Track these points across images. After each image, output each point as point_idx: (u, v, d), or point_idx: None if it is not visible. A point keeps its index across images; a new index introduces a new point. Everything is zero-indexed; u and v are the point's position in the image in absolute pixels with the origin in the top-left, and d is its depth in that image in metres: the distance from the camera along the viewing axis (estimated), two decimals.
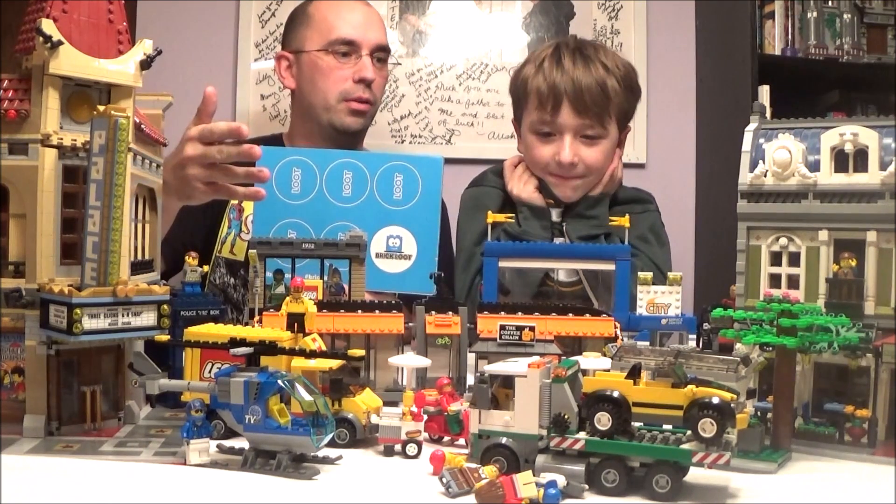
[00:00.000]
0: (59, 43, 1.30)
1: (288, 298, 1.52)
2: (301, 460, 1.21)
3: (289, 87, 2.74)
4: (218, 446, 1.29)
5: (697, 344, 1.70)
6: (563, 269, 2.25)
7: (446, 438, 1.37)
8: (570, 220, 2.36)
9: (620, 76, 2.37)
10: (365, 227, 1.83)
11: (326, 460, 1.24)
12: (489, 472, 1.13)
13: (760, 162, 1.45)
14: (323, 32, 2.61)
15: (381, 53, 2.62)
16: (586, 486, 1.12)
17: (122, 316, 1.32)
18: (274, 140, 2.80)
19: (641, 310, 1.70)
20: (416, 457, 1.29)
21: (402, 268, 1.99)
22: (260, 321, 1.57)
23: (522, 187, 2.41)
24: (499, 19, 3.68)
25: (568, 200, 2.40)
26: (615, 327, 1.64)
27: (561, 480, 1.09)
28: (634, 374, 1.17)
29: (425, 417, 1.35)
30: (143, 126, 1.43)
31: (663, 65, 3.75)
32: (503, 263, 1.82)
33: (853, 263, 1.37)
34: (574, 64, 2.33)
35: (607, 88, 2.33)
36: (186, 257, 1.65)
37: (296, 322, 1.49)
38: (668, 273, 1.75)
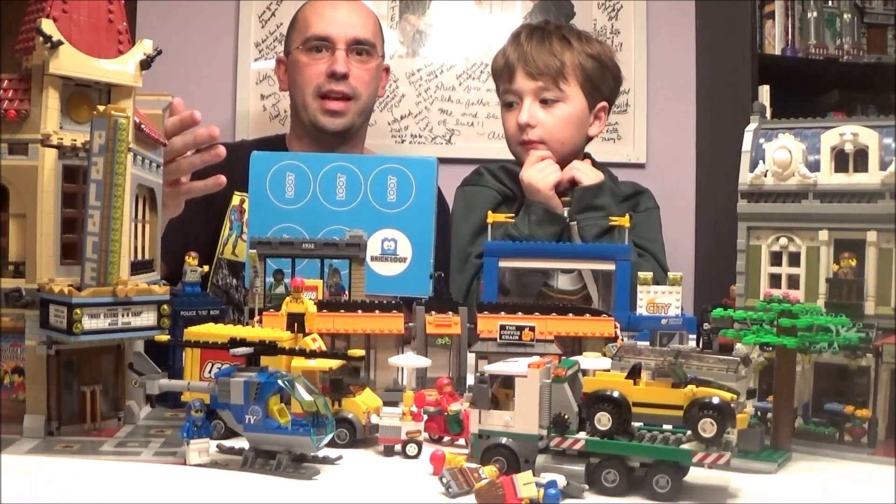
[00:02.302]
0: (59, 43, 1.30)
1: (288, 298, 1.52)
2: (301, 460, 1.21)
3: (283, 90, 2.79)
4: (218, 446, 1.29)
5: (697, 344, 1.70)
6: (564, 277, 2.24)
7: (446, 438, 1.37)
8: (580, 214, 2.33)
9: (582, 48, 2.46)
10: None
11: (326, 460, 1.24)
12: (489, 472, 1.13)
13: (760, 162, 1.45)
14: (301, 31, 2.63)
15: (359, 47, 2.60)
16: (586, 486, 1.12)
17: (122, 316, 1.31)
18: (277, 141, 2.82)
19: (641, 310, 1.70)
20: (416, 457, 1.29)
21: (398, 271, 1.97)
22: (260, 321, 1.57)
23: (542, 178, 2.34)
24: (499, 19, 3.69)
25: None
26: (615, 327, 1.64)
27: (561, 480, 1.09)
28: (634, 374, 1.17)
29: (425, 417, 1.35)
30: (143, 126, 1.43)
31: (663, 65, 3.75)
32: (503, 263, 1.82)
33: (853, 263, 1.37)
34: (530, 39, 2.46)
35: (561, 53, 2.42)
36: (186, 257, 1.65)
37: (296, 322, 1.49)
38: (668, 273, 1.75)
